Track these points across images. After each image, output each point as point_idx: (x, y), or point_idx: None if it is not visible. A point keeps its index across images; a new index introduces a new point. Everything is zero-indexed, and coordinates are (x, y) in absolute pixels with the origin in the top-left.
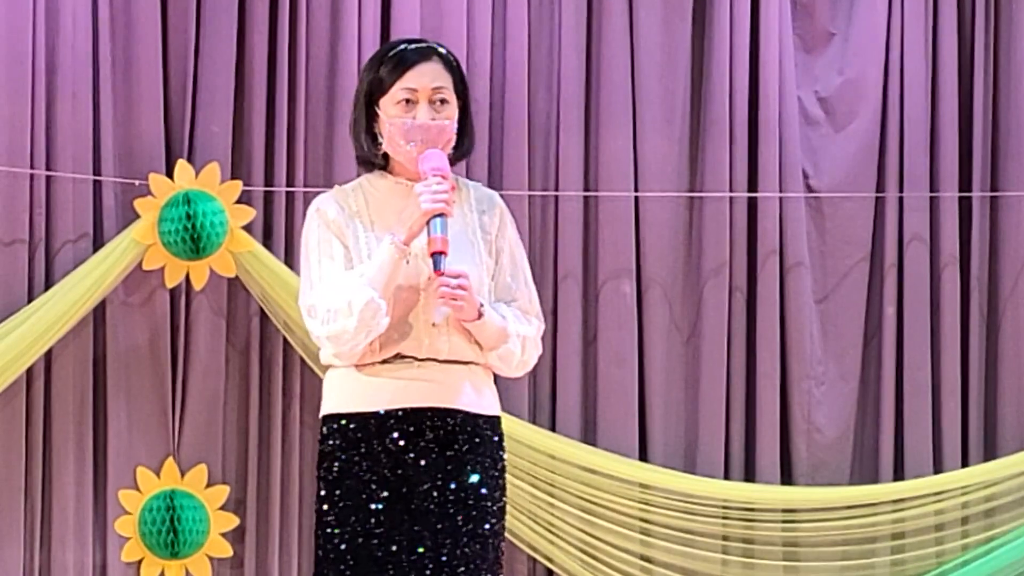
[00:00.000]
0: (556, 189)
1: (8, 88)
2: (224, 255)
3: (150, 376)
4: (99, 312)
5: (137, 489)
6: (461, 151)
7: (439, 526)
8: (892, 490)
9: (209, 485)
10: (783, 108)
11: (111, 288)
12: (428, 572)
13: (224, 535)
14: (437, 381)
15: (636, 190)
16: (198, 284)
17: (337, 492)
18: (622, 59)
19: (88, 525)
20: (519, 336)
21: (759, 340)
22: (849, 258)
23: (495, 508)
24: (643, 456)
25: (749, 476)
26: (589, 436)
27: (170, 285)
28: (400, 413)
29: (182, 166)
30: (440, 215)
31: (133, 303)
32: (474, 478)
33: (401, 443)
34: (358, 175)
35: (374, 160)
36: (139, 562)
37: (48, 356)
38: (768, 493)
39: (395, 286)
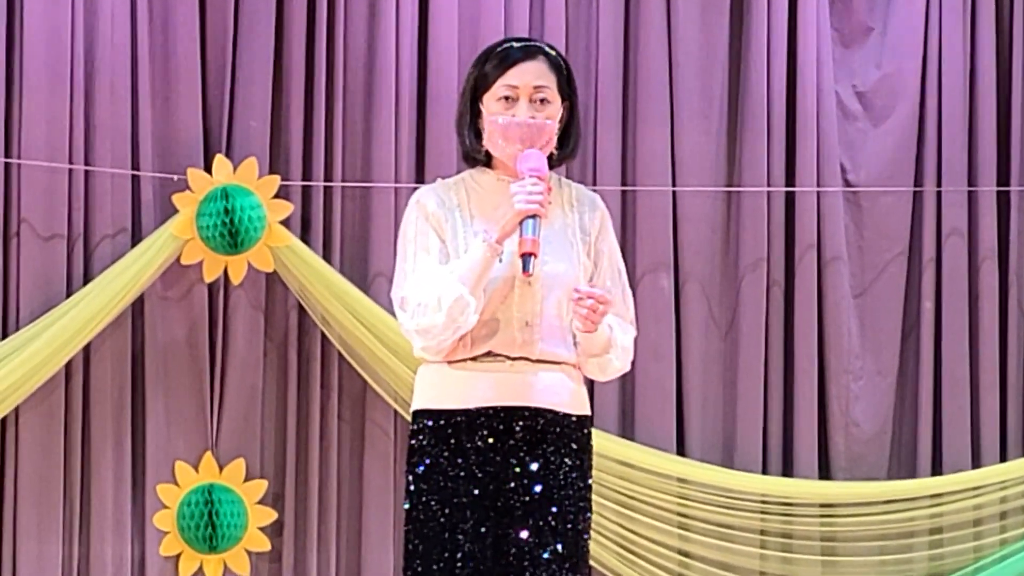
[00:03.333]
0: (594, 184)
1: (47, 83)
2: (262, 250)
3: (188, 370)
4: (137, 307)
5: (175, 483)
6: (565, 152)
7: (526, 523)
8: (930, 485)
9: (247, 479)
10: (821, 103)
11: (149, 283)
12: (514, 570)
13: (262, 529)
14: (528, 380)
15: (674, 185)
16: (236, 279)
17: (425, 488)
18: (660, 54)
19: (127, 519)
20: (622, 348)
21: (797, 335)
22: (887, 252)
23: (581, 507)
24: (681, 451)
25: (787, 471)
26: (627, 431)
27: (208, 280)
28: (490, 411)
29: (220, 161)
30: (534, 216)
31: (171, 298)
32: (561, 478)
33: (490, 441)
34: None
35: (477, 156)
36: (177, 556)
37: (87, 350)
38: (806, 488)
39: (488, 284)
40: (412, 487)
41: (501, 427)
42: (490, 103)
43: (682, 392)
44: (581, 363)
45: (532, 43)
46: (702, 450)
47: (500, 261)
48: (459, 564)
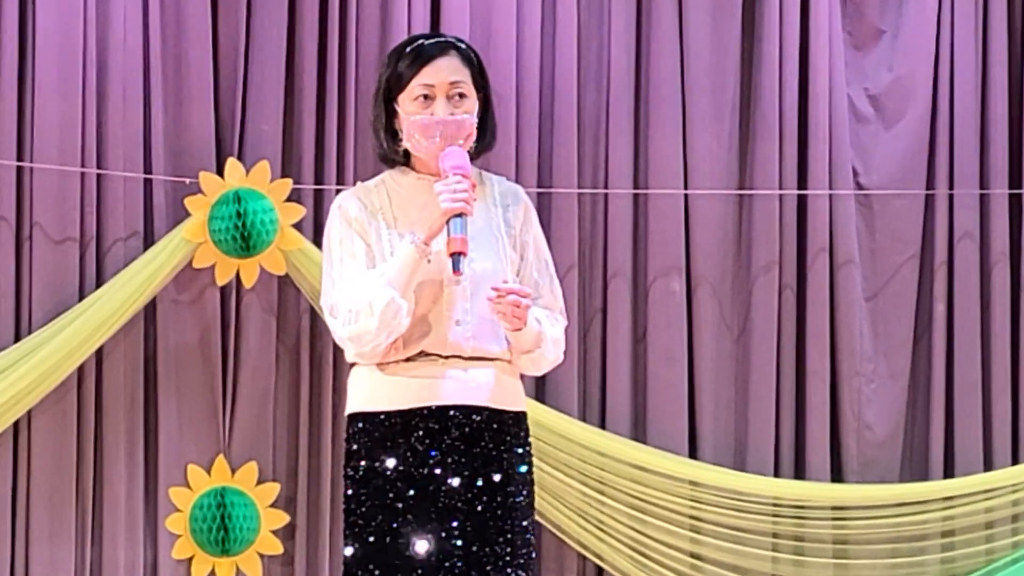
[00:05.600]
0: (606, 187)
1: (59, 87)
2: (274, 253)
3: (200, 374)
4: (150, 310)
5: (188, 487)
6: (483, 145)
7: (467, 524)
8: (942, 488)
9: (259, 482)
10: (833, 105)
11: (162, 286)
12: (457, 571)
13: (274, 532)
14: (461, 378)
15: (685, 188)
16: (248, 282)
17: (364, 491)
18: (671, 57)
19: (139, 522)
20: (552, 340)
21: (809, 338)
22: (899, 255)
23: (523, 504)
24: (693, 454)
25: (799, 473)
26: (639, 434)
27: (220, 283)
28: (425, 411)
29: (232, 164)
30: (460, 214)
31: (183, 301)
32: (500, 475)
33: (427, 441)
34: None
35: (395, 157)
36: (190, 559)
37: (99, 354)
38: (818, 490)
39: (418, 284)
40: (350, 491)
41: (436, 426)
42: (406, 103)
43: (694, 395)
44: (514, 360)
45: (443, 38)
46: (714, 453)
47: (428, 261)
48: (399, 567)
